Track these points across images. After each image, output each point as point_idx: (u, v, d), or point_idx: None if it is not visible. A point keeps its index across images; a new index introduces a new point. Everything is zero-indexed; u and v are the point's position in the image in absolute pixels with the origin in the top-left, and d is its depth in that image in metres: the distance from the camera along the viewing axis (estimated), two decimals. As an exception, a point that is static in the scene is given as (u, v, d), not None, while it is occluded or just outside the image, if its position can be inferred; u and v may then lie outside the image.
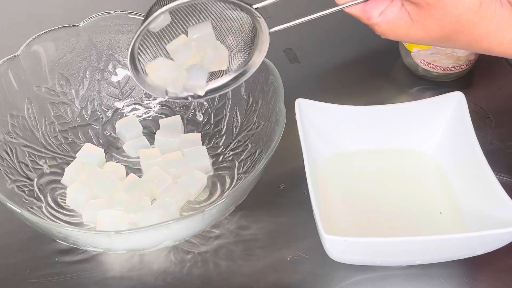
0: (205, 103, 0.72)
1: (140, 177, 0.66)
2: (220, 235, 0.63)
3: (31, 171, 0.65)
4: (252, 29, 0.57)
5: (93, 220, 0.62)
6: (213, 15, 0.57)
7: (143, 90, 0.73)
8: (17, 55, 0.67)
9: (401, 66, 0.81)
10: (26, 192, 0.63)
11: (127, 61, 0.56)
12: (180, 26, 0.57)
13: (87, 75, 0.72)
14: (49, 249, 0.63)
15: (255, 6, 0.54)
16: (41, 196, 0.64)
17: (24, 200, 0.62)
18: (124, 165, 0.68)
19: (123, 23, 0.71)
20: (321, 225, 0.55)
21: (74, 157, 0.68)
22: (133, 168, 0.69)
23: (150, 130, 0.72)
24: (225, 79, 0.60)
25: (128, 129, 0.71)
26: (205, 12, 0.57)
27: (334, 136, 0.68)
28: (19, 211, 0.55)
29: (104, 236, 0.55)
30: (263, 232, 0.64)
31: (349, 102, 0.68)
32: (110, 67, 0.73)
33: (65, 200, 0.65)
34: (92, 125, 0.72)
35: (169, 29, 0.57)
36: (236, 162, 0.67)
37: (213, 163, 0.68)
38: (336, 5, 0.55)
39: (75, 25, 0.70)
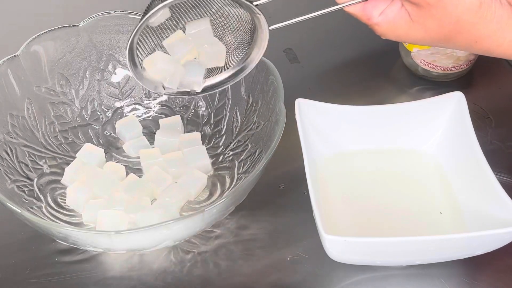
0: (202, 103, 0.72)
1: (140, 177, 0.66)
2: (220, 235, 0.63)
3: (31, 171, 0.65)
4: (251, 26, 0.57)
5: (93, 220, 0.62)
6: (213, 11, 0.57)
7: (143, 90, 0.73)
8: (17, 55, 0.67)
9: (401, 66, 0.81)
10: (26, 192, 0.63)
11: (126, 55, 0.56)
12: (179, 22, 0.57)
13: (87, 75, 0.72)
14: (49, 249, 0.63)
15: (255, 3, 0.54)
16: (41, 196, 0.64)
17: (24, 200, 0.62)
18: (124, 165, 0.68)
19: (123, 23, 0.71)
20: (321, 225, 0.55)
21: (74, 157, 0.68)
22: (133, 168, 0.68)
23: (150, 130, 0.72)
24: (223, 76, 0.60)
25: (128, 129, 0.71)
26: (204, 8, 0.57)
27: (334, 136, 0.68)
28: (19, 211, 0.55)
29: (104, 236, 0.55)
30: (263, 232, 0.64)
31: (349, 102, 0.68)
32: (110, 67, 0.73)
33: (65, 200, 0.65)
34: (92, 125, 0.72)
35: (168, 24, 0.57)
36: (236, 162, 0.67)
37: (213, 163, 0.68)
38: (336, 4, 0.55)
39: (75, 25, 0.70)
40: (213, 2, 0.56)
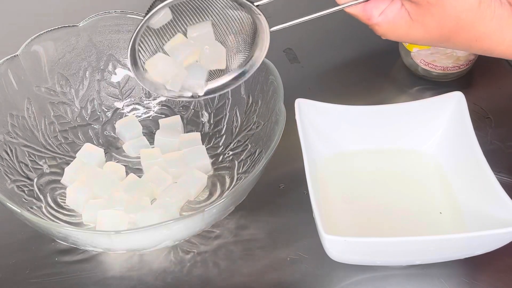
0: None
1: (140, 177, 0.66)
2: (220, 235, 0.63)
3: (31, 171, 0.65)
4: (252, 28, 0.57)
5: (93, 220, 0.62)
6: (214, 14, 0.57)
7: (143, 90, 0.73)
8: (17, 55, 0.67)
9: (401, 66, 0.81)
10: (26, 192, 0.63)
11: (127, 56, 0.56)
12: (181, 25, 0.57)
13: (87, 75, 0.72)
14: (49, 249, 0.63)
15: (256, 3, 0.54)
16: (41, 196, 0.64)
17: (24, 200, 0.62)
18: (124, 165, 0.68)
19: (123, 23, 0.71)
20: (321, 225, 0.55)
21: (74, 157, 0.68)
22: (133, 168, 0.68)
23: (150, 130, 0.72)
24: (225, 79, 0.60)
25: (128, 129, 0.71)
26: (205, 11, 0.57)
27: (334, 136, 0.68)
28: (19, 211, 0.55)
29: (104, 236, 0.55)
30: (263, 232, 0.64)
31: (349, 102, 0.68)
32: (110, 67, 0.73)
33: (65, 200, 0.65)
34: (92, 125, 0.72)
35: (170, 27, 0.57)
36: (236, 162, 0.67)
37: (213, 163, 0.68)
38: (336, 4, 0.55)
39: (75, 25, 0.70)
40: (214, 4, 0.56)
